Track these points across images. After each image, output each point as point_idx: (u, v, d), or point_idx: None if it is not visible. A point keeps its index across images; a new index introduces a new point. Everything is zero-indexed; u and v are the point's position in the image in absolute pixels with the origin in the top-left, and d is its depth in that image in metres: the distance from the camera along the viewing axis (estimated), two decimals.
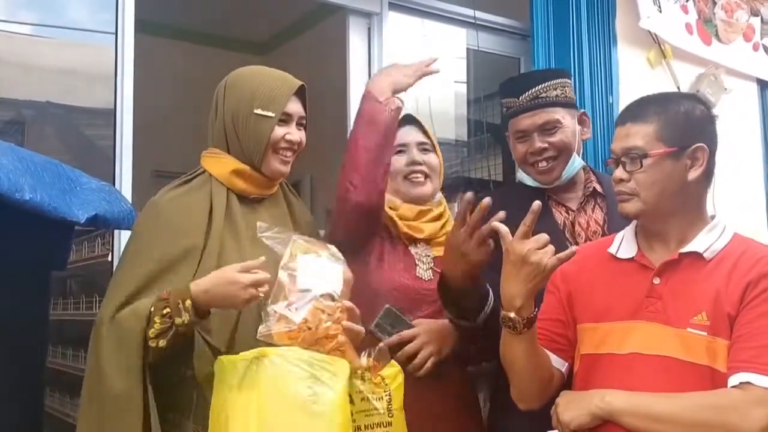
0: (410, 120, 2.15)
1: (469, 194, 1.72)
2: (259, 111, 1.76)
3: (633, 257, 1.66)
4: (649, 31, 3.64)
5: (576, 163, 2.06)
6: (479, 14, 3.52)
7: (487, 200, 1.69)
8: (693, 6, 3.87)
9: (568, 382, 1.72)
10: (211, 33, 5.32)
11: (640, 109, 1.64)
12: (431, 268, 2.06)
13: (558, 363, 1.70)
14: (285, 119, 1.79)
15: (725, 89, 3.90)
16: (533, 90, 2.03)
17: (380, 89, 1.96)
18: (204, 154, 1.85)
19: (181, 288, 1.59)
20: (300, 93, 1.84)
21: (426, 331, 1.96)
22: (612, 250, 1.70)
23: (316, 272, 1.61)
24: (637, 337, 1.58)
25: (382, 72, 2.10)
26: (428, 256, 2.08)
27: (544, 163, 2.04)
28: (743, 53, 4.11)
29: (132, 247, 1.73)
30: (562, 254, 1.53)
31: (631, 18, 3.56)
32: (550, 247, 1.53)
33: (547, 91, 2.03)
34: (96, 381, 1.60)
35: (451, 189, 3.82)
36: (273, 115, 1.76)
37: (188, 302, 1.56)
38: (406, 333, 1.95)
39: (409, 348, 1.94)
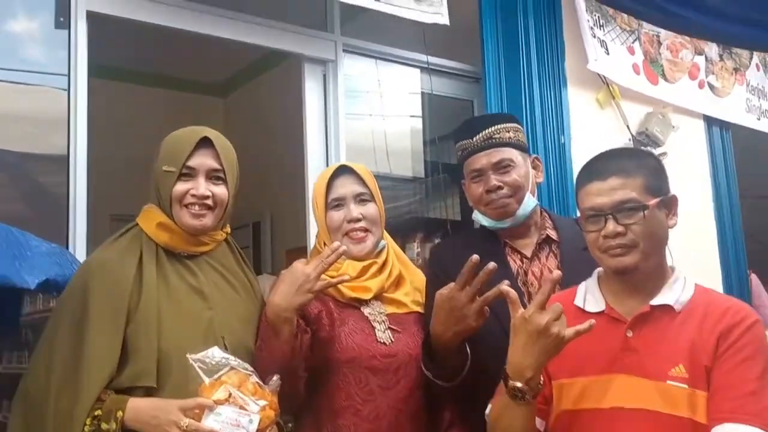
0: (345, 170, 2.07)
1: (475, 257, 1.69)
2: (164, 167, 1.79)
3: (603, 311, 1.66)
4: (598, 73, 3.74)
5: (531, 202, 2.05)
6: (432, 59, 3.59)
7: (492, 265, 1.68)
8: (639, 47, 3.98)
9: None
10: (168, 75, 5.32)
11: (618, 164, 1.64)
12: (389, 328, 1.97)
13: (538, 423, 1.67)
14: (189, 173, 1.79)
15: (673, 127, 4.00)
16: (487, 131, 2.04)
17: (276, 312, 1.76)
18: (142, 209, 1.87)
19: (120, 398, 1.61)
20: (212, 146, 1.81)
21: None
22: (578, 303, 1.70)
23: (224, 426, 1.53)
24: (617, 391, 1.58)
25: (281, 281, 1.82)
26: (382, 313, 1.99)
27: (500, 201, 2.03)
28: (689, 91, 4.22)
29: (62, 318, 1.72)
30: (580, 327, 1.50)
31: (580, 60, 3.66)
32: (564, 317, 1.50)
33: (500, 133, 2.05)
34: None
35: (407, 229, 3.86)
36: (174, 170, 1.77)
37: (120, 413, 1.58)
38: None
39: None
